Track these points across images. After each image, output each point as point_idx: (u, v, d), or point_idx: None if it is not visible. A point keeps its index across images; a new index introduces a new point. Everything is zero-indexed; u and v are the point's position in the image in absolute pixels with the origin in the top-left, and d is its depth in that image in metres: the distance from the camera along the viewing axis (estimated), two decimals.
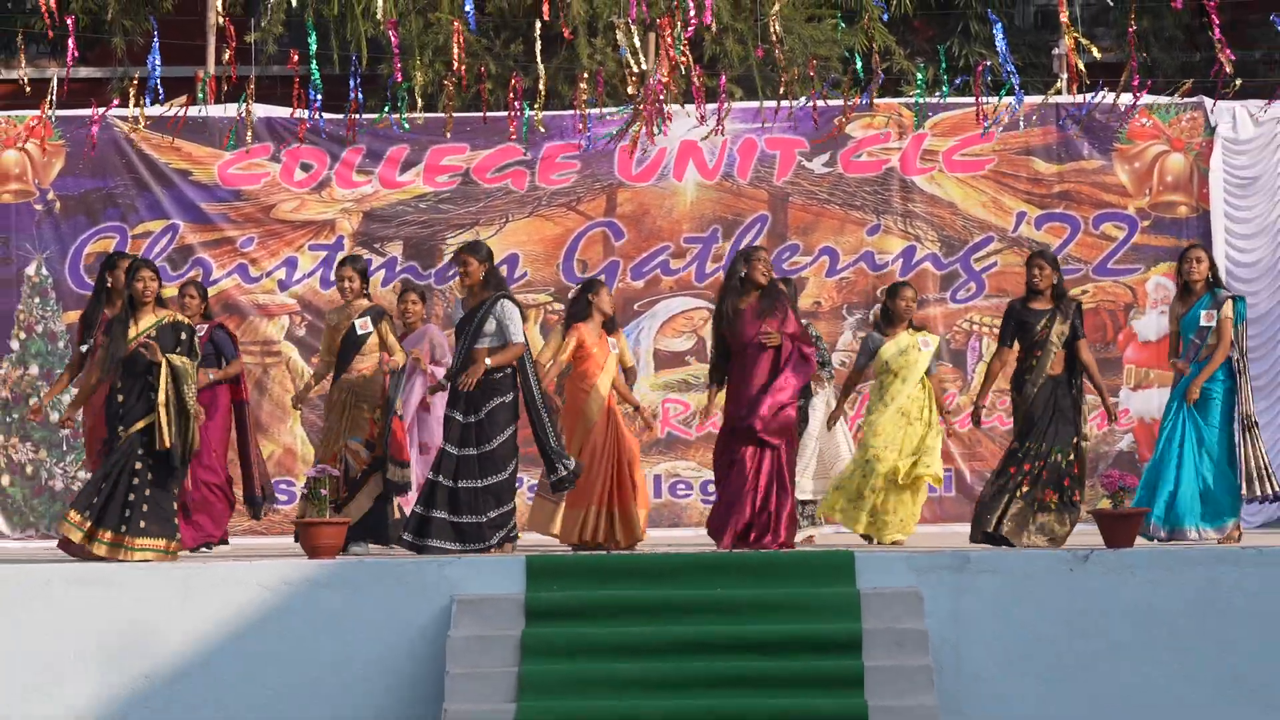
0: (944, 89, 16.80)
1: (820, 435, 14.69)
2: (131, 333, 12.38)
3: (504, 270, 16.66)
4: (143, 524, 12.29)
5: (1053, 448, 12.98)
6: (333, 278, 14.50)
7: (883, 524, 14.23)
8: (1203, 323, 13.23)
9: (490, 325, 12.69)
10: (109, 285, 13.41)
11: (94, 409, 13.19)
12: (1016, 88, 16.29)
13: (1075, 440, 13.03)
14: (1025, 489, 12.97)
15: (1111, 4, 16.90)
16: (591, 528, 13.63)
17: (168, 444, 12.23)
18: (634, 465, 13.80)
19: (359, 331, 13.52)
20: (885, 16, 18.48)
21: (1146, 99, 16.89)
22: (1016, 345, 13.09)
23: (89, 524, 12.25)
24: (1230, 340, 13.24)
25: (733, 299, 12.70)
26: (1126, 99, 16.97)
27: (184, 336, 12.44)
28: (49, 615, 11.70)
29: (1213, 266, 13.38)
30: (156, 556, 12.28)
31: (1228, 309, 13.22)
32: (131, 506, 12.27)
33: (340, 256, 15.38)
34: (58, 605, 11.72)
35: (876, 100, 16.97)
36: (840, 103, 16.83)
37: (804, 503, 14.58)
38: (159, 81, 16.13)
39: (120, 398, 12.38)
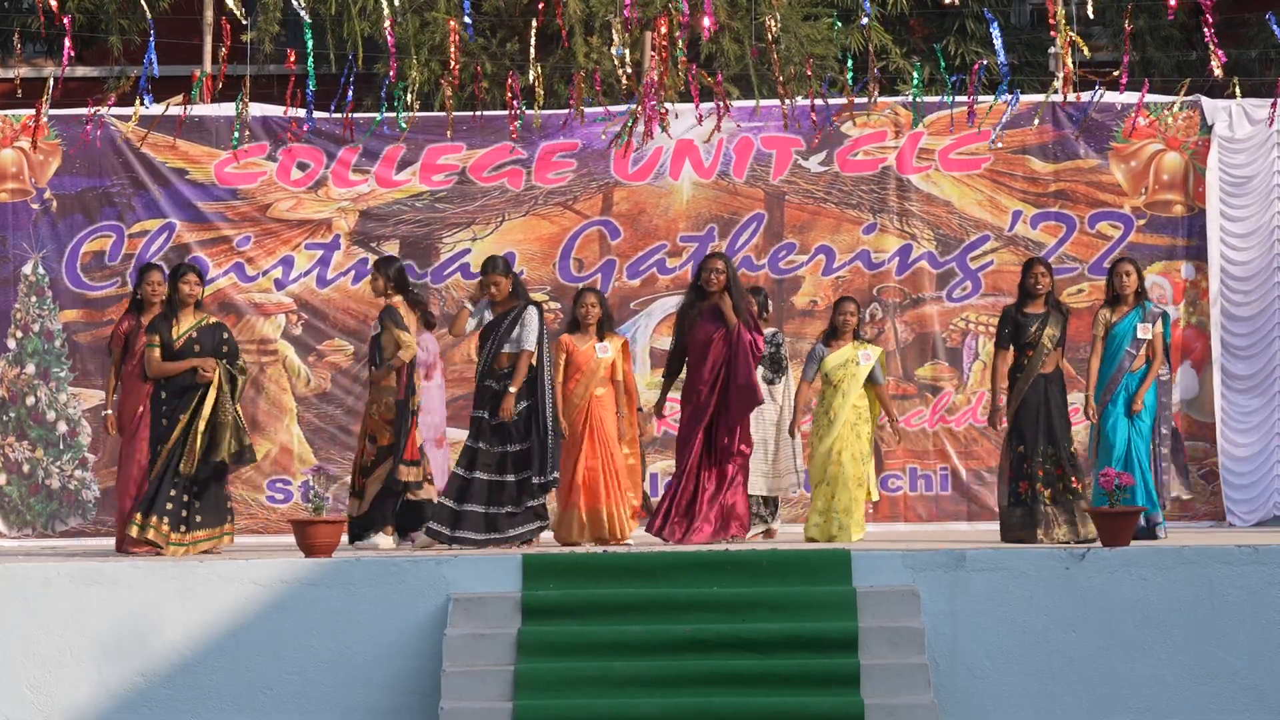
0: (948, 91, 16.79)
1: (773, 436, 14.92)
2: (174, 332, 13.27)
3: None
4: (199, 518, 13.13)
5: (1058, 442, 13.46)
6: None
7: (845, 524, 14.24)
8: (1139, 335, 13.97)
9: (515, 331, 13.52)
10: (138, 296, 14.22)
11: (128, 420, 13.99)
12: (1011, 90, 16.31)
13: (1070, 431, 13.61)
14: (1047, 491, 13.40)
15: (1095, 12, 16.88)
16: (575, 529, 14.03)
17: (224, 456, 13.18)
18: (613, 465, 14.07)
19: (373, 333, 14.09)
20: (865, 22, 18.44)
21: (1145, 98, 16.88)
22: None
23: (152, 518, 13.05)
24: (1163, 355, 14.06)
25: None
26: (1124, 98, 16.98)
27: (225, 336, 13.37)
28: (47, 614, 11.71)
29: (1141, 280, 14.10)
30: (212, 544, 13.17)
31: (1159, 326, 14.00)
32: (187, 504, 13.11)
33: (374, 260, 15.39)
34: (55, 604, 11.73)
35: (877, 99, 16.97)
36: (837, 101, 16.85)
37: (763, 499, 14.99)
38: (154, 81, 16.13)
39: (164, 394, 13.21)
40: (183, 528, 13.08)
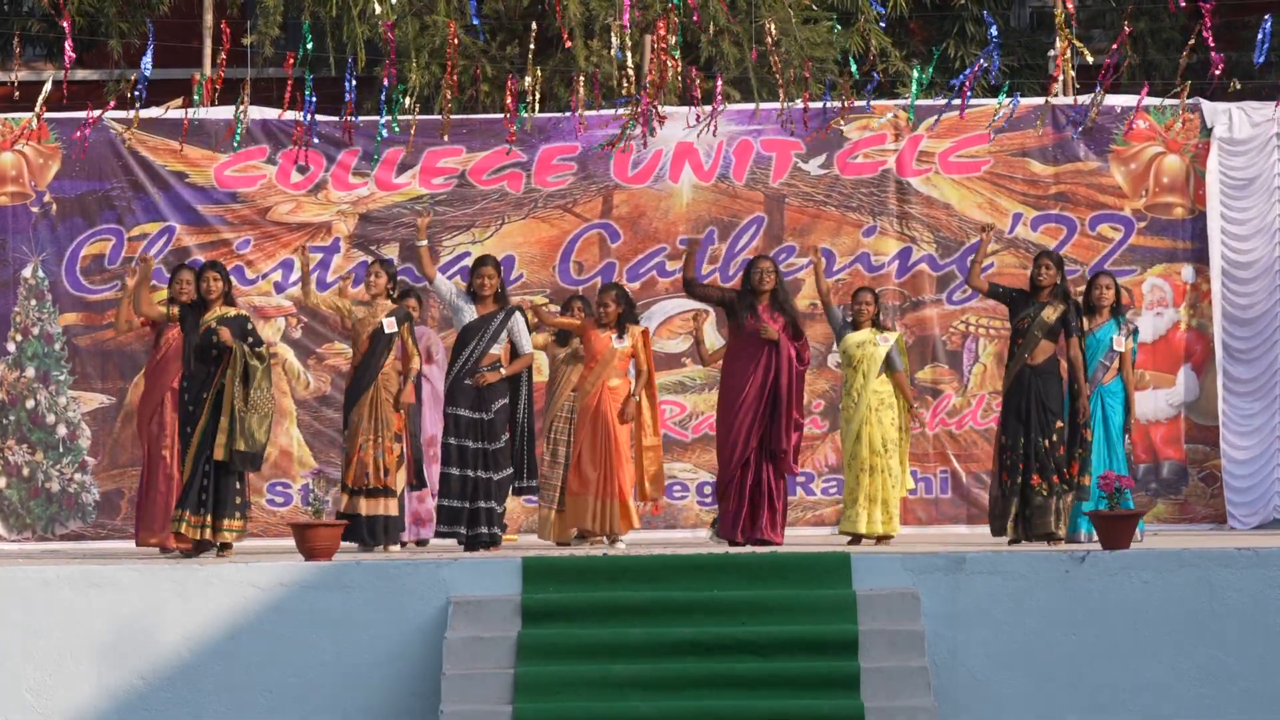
0: (927, 75, 16.78)
1: None
2: (197, 319, 13.50)
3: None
4: (226, 507, 13.37)
5: (1032, 435, 13.56)
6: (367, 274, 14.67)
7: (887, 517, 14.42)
8: (1115, 346, 14.14)
9: (504, 335, 13.87)
10: (171, 295, 14.43)
11: (148, 417, 14.41)
12: (1011, 93, 16.32)
13: (1060, 424, 13.58)
14: (1017, 483, 13.59)
15: (1115, 4, 16.93)
16: (589, 516, 14.25)
17: (220, 455, 13.28)
18: (617, 458, 14.20)
19: (386, 331, 14.11)
20: (883, 24, 18.49)
21: (1145, 100, 16.89)
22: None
23: (186, 514, 13.32)
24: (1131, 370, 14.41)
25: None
26: (1124, 100, 17.01)
27: (249, 327, 13.51)
28: (45, 616, 11.72)
29: (1118, 296, 14.34)
30: (236, 537, 13.45)
31: (1132, 341, 14.29)
32: (215, 492, 13.31)
33: (374, 260, 15.41)
34: (54, 606, 11.74)
35: (873, 102, 17.02)
36: (836, 104, 16.87)
37: None
38: (153, 83, 16.15)
39: (186, 382, 13.45)
40: (209, 516, 13.30)
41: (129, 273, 14.34)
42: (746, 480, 13.94)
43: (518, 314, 14.00)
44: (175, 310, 13.72)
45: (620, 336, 14.30)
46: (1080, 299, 14.16)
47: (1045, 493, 13.45)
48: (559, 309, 15.37)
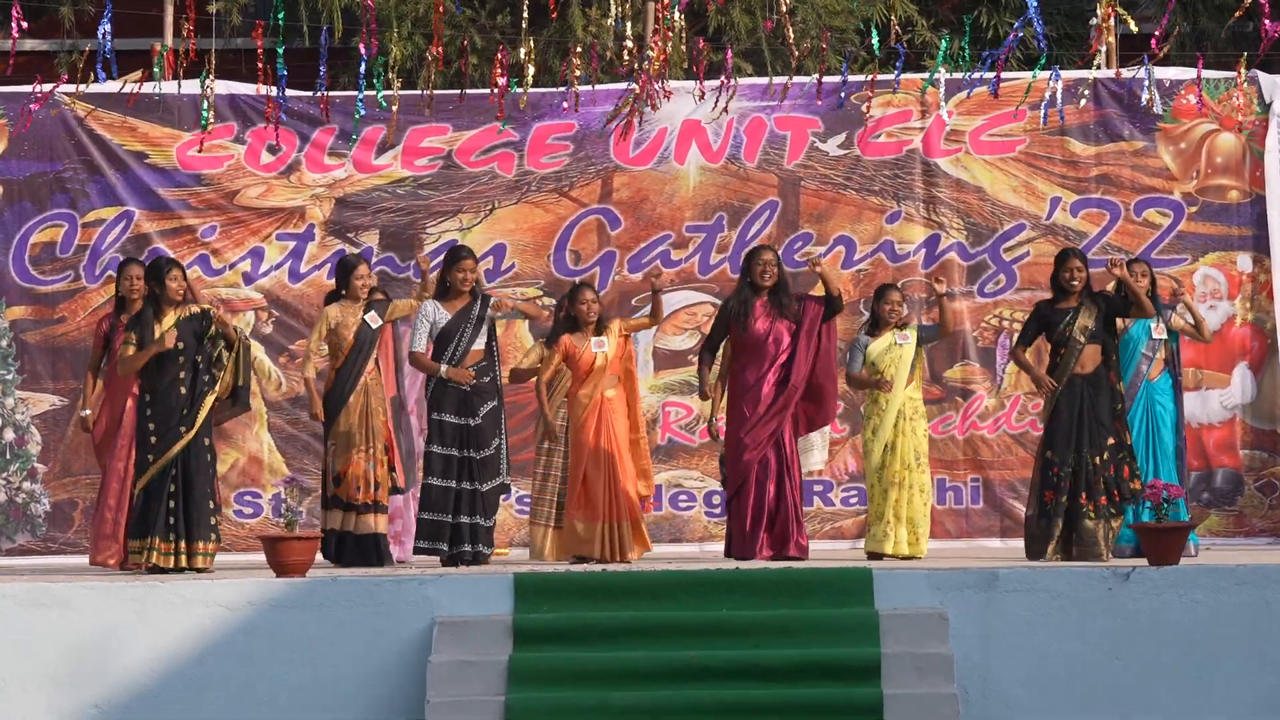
0: (964, 56, 16.81)
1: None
2: (156, 331, 13.41)
3: (490, 262, 16.75)
4: (201, 529, 13.38)
5: (1083, 452, 13.48)
6: (349, 276, 14.71)
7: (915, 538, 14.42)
8: (1154, 335, 14.40)
9: (485, 326, 13.98)
10: (119, 294, 14.55)
11: (106, 421, 14.43)
12: (1050, 66, 16.32)
13: (1111, 440, 13.49)
14: (1062, 503, 13.47)
15: None
16: (570, 544, 14.19)
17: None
18: (623, 476, 14.13)
19: (373, 327, 14.36)
20: None
21: (1193, 73, 16.89)
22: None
23: (156, 542, 13.30)
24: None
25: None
26: (1171, 73, 17.01)
27: (207, 324, 13.47)
28: None
29: (1154, 282, 14.46)
30: (212, 561, 13.48)
31: (1177, 321, 14.68)
32: (191, 515, 13.32)
33: (349, 255, 15.39)
34: (2, 629, 11.74)
35: (900, 76, 17.02)
36: (857, 79, 16.87)
37: None
38: (111, 55, 16.16)
39: (150, 410, 13.39)
40: (181, 542, 13.30)
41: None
42: (765, 492, 13.99)
43: (490, 298, 14.16)
44: (132, 338, 13.57)
45: (598, 339, 14.17)
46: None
47: (1093, 515, 13.37)
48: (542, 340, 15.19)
